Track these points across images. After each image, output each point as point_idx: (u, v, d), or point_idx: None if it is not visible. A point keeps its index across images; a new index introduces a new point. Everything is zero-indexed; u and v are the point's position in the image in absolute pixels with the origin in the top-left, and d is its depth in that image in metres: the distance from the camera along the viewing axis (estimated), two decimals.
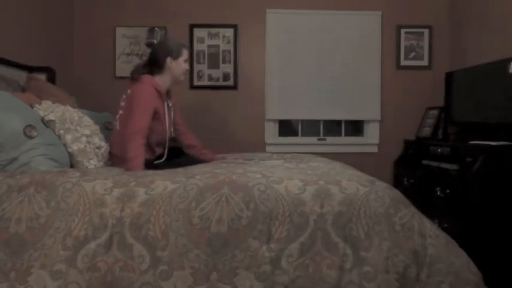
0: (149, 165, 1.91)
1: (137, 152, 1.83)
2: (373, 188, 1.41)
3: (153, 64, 2.14)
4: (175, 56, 2.12)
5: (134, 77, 2.10)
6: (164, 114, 2.11)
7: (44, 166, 1.67)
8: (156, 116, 2.03)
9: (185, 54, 2.15)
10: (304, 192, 1.38)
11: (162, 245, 1.29)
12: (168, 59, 2.11)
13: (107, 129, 2.44)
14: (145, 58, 2.33)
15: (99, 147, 1.96)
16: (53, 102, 1.99)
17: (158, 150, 2.15)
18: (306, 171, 1.65)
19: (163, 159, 2.11)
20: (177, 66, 2.13)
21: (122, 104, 2.06)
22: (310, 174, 1.53)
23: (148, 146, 2.06)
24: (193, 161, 2.21)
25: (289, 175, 1.51)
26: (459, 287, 1.25)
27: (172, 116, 2.23)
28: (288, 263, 1.27)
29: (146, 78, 2.05)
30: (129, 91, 2.05)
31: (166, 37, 3.45)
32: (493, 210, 2.26)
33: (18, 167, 1.64)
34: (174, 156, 2.22)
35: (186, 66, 2.17)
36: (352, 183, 1.42)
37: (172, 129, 2.22)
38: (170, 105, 2.21)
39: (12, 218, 1.33)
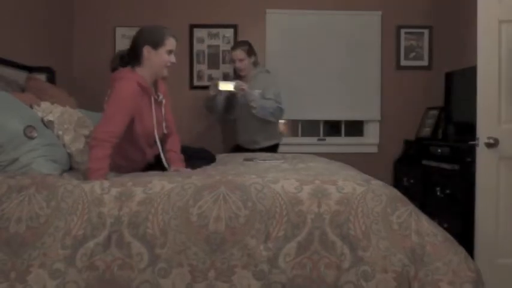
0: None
1: (101, 164, 1.59)
2: (370, 187, 1.41)
3: (131, 54, 1.80)
4: (156, 45, 1.76)
5: (113, 70, 1.82)
6: (151, 111, 1.83)
7: (44, 168, 1.65)
8: (140, 115, 1.78)
9: (169, 44, 1.78)
10: (301, 192, 1.38)
11: (161, 243, 1.29)
12: (146, 48, 1.76)
13: None
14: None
15: None
16: (52, 103, 1.98)
17: (149, 153, 1.93)
18: (301, 171, 1.66)
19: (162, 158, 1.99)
20: (157, 57, 1.77)
21: (105, 106, 1.76)
22: (306, 174, 1.54)
23: (139, 148, 1.87)
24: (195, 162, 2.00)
25: (284, 175, 1.51)
26: (458, 284, 1.24)
27: (163, 111, 1.92)
28: (285, 262, 1.27)
29: (127, 73, 1.77)
30: (109, 91, 1.78)
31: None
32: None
33: (19, 168, 1.62)
34: None
35: (171, 58, 1.80)
36: (348, 182, 1.42)
37: (164, 125, 1.93)
38: (160, 98, 1.89)
39: (12, 218, 1.33)
